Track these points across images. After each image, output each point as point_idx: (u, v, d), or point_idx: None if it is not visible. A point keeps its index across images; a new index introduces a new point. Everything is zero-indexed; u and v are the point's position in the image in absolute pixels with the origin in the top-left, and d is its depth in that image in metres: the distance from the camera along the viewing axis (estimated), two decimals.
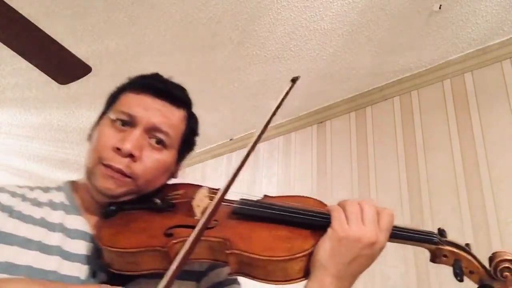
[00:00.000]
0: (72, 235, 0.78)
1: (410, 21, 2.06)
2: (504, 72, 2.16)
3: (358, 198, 2.45)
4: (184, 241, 0.65)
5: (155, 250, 0.71)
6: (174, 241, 0.71)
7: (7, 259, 0.70)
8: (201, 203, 0.80)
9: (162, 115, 0.84)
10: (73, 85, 2.21)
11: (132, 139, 0.79)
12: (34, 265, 0.71)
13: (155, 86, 0.86)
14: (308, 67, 2.41)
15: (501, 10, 1.97)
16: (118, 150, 0.79)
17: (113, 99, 0.88)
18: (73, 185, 0.88)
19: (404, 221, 2.16)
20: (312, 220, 0.75)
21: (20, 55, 1.88)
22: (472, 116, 2.18)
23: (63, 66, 1.97)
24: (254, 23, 2.12)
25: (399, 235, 0.75)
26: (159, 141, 0.83)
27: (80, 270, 0.75)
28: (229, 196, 0.74)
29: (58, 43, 1.85)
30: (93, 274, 0.76)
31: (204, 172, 3.31)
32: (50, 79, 2.04)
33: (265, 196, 0.87)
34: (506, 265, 0.70)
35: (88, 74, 2.02)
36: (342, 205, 0.74)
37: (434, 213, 2.10)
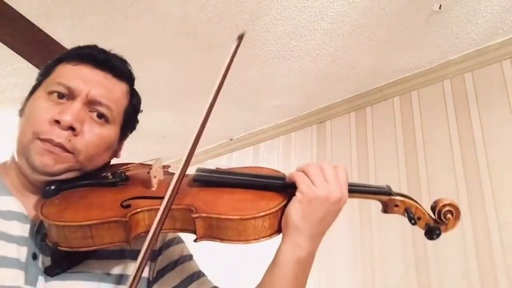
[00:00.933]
0: (6, 216, 0.72)
1: (410, 21, 2.06)
2: (504, 72, 2.16)
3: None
4: (146, 211, 0.68)
5: (114, 221, 0.67)
6: (134, 212, 0.69)
7: None
8: (157, 174, 0.78)
9: (104, 87, 0.79)
10: None
11: (72, 111, 0.73)
12: None
13: (96, 56, 0.81)
14: (308, 67, 2.41)
15: (501, 10, 1.97)
16: (56, 122, 0.73)
17: (48, 71, 0.81)
18: (1, 167, 0.82)
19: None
20: (272, 183, 0.79)
21: (20, 55, 1.88)
22: (472, 116, 2.18)
23: None
24: (254, 23, 2.12)
25: (357, 189, 0.82)
26: (101, 115, 0.78)
27: (19, 252, 0.70)
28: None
29: (58, 43, 1.85)
30: (33, 256, 0.71)
31: None
32: None
33: (217, 168, 0.86)
34: (448, 208, 0.82)
35: None
36: (302, 169, 0.77)
37: None
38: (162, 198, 0.64)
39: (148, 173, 0.77)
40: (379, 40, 2.19)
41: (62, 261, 0.71)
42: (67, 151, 0.74)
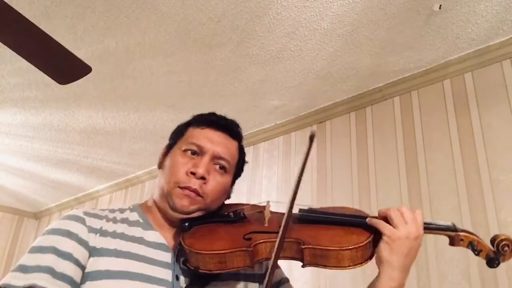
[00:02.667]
0: (152, 246, 0.94)
1: (410, 21, 2.06)
2: (504, 72, 2.16)
3: (359, 197, 2.44)
4: (264, 242, 0.90)
5: (242, 250, 0.88)
6: (256, 242, 0.89)
7: (107, 267, 0.86)
8: (268, 214, 0.99)
9: (224, 146, 1.02)
10: (73, 85, 2.21)
11: (203, 165, 0.97)
12: (129, 270, 0.87)
13: (218, 122, 1.05)
14: (308, 67, 2.41)
15: (501, 10, 1.97)
16: (192, 174, 0.96)
17: (180, 133, 1.06)
18: (143, 207, 1.04)
19: None
20: (358, 222, 0.96)
21: (20, 55, 1.88)
22: (472, 116, 2.18)
23: (63, 66, 1.97)
24: (254, 23, 2.12)
25: (430, 227, 0.97)
26: (222, 167, 1.01)
27: (166, 274, 0.91)
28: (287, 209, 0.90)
29: (58, 43, 1.85)
30: (176, 277, 0.91)
31: None
32: (50, 79, 2.04)
33: (310, 208, 1.04)
34: (505, 242, 0.95)
35: (88, 74, 2.03)
36: (384, 214, 0.94)
37: (434, 213, 2.10)
38: (275, 232, 0.86)
39: (261, 212, 1.00)
40: (379, 40, 2.19)
41: (198, 281, 0.92)
42: (199, 195, 0.96)
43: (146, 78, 2.56)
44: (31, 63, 1.93)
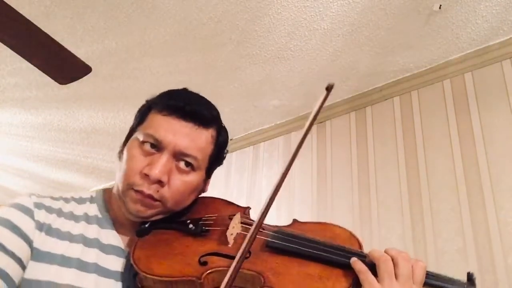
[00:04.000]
0: (106, 250, 0.82)
1: (410, 21, 2.06)
2: (504, 72, 2.16)
3: (358, 197, 2.43)
4: (218, 272, 0.74)
5: (190, 280, 0.75)
6: (209, 271, 0.75)
7: (50, 278, 0.75)
8: (234, 231, 0.83)
9: (190, 139, 0.85)
10: (73, 85, 2.21)
11: (159, 165, 0.81)
12: (74, 284, 0.75)
13: (183, 108, 0.86)
14: (308, 67, 2.41)
15: (501, 10, 1.97)
16: (146, 176, 0.81)
17: (141, 117, 0.90)
18: (106, 195, 0.91)
19: (404, 220, 2.16)
20: (342, 262, 0.76)
21: (20, 55, 1.88)
22: (472, 116, 2.18)
23: (63, 66, 1.97)
24: (254, 23, 2.12)
25: (430, 284, 0.76)
26: (187, 164, 0.85)
27: (115, 287, 0.79)
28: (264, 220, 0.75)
29: (58, 43, 1.85)
30: None
31: None
32: (50, 79, 2.04)
33: (294, 220, 0.89)
34: None
35: (88, 74, 2.02)
36: (377, 259, 0.74)
37: (434, 213, 2.10)
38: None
39: (226, 228, 0.83)
40: (379, 40, 2.19)
41: None
42: (156, 200, 0.82)
43: (146, 78, 2.56)
44: (31, 63, 1.93)
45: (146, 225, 0.84)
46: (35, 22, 1.77)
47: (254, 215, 0.85)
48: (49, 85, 2.63)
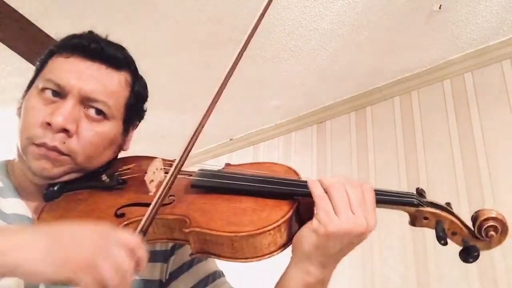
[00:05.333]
0: (9, 219, 0.70)
1: (410, 21, 2.06)
2: (504, 72, 2.16)
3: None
4: (138, 222, 0.62)
5: None
6: (125, 223, 0.65)
7: None
8: (155, 177, 0.73)
9: (98, 81, 0.73)
10: None
11: (63, 112, 0.69)
12: None
13: (87, 47, 0.75)
14: (308, 67, 2.41)
15: (501, 10, 1.97)
16: (48, 125, 0.69)
17: (41, 65, 0.77)
18: (9, 166, 0.79)
19: (404, 221, 2.16)
20: (278, 190, 0.69)
21: (20, 55, 1.88)
22: (472, 116, 2.18)
23: None
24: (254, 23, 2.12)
25: (379, 200, 0.69)
26: (99, 112, 0.73)
27: None
28: (186, 167, 0.69)
29: None
30: None
31: None
32: None
33: (227, 164, 0.80)
34: (491, 223, 0.64)
35: None
36: (325, 187, 0.67)
37: None
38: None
39: (144, 177, 0.72)
40: (379, 40, 2.19)
41: None
42: (63, 153, 0.71)
43: (146, 78, 2.56)
44: (31, 63, 1.93)
45: (55, 188, 0.72)
46: (35, 22, 1.77)
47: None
48: None
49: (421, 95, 2.41)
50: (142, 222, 0.58)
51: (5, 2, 1.67)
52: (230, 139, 3.18)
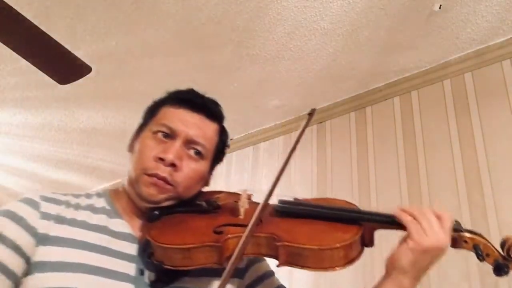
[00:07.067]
0: (117, 236, 0.85)
1: (410, 21, 2.06)
2: (504, 72, 2.16)
3: (359, 197, 2.43)
4: (235, 237, 0.78)
5: (209, 245, 0.79)
6: (226, 237, 0.79)
7: (61, 259, 0.78)
8: (244, 204, 0.90)
9: (199, 128, 0.92)
10: (73, 85, 2.21)
11: (173, 150, 0.87)
12: (87, 262, 0.79)
13: (193, 101, 0.95)
14: (308, 67, 2.41)
15: (501, 10, 1.97)
16: (161, 160, 0.87)
17: (152, 113, 0.96)
18: (111, 193, 0.95)
19: None
20: (343, 216, 0.86)
21: (20, 55, 1.88)
22: (472, 116, 2.18)
23: (63, 66, 1.97)
24: (254, 23, 2.12)
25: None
26: (197, 152, 0.91)
27: (129, 268, 0.82)
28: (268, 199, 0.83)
29: (58, 43, 1.85)
30: (140, 272, 0.82)
31: None
32: (50, 79, 2.04)
33: (295, 199, 0.95)
34: None
35: (88, 74, 2.03)
36: (412, 214, 0.83)
37: None
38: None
39: (236, 202, 0.90)
40: (379, 40, 2.19)
41: (164, 277, 0.83)
42: (169, 183, 0.87)
43: (146, 78, 2.56)
44: (31, 63, 1.93)
45: (157, 211, 0.87)
46: (35, 22, 1.77)
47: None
48: (49, 85, 2.62)
49: (421, 95, 2.41)
50: (243, 238, 0.72)
51: (5, 2, 1.67)
52: (230, 139, 3.18)
